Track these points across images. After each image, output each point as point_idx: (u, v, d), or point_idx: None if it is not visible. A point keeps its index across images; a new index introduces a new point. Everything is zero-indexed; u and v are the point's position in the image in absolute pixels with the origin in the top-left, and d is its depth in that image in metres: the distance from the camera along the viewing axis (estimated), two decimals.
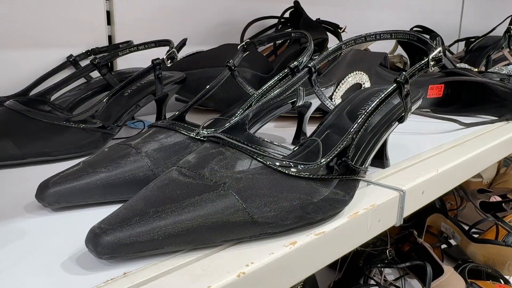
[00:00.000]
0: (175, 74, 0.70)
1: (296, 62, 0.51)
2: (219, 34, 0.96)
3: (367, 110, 0.40)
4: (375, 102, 0.40)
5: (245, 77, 0.76)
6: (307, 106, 0.58)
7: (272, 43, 0.97)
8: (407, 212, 0.47)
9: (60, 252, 0.33)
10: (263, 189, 0.33)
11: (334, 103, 0.71)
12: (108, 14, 0.80)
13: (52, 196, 0.38)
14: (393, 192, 0.45)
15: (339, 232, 0.37)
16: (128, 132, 0.69)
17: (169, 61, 0.61)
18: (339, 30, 0.99)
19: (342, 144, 0.37)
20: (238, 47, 0.62)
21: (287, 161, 0.35)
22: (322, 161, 0.36)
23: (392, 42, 1.09)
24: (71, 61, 0.75)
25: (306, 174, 0.35)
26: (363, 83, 0.74)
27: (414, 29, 1.18)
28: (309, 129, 0.59)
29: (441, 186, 0.53)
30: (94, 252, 0.30)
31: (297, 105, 0.55)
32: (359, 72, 0.73)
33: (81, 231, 0.32)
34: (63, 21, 0.75)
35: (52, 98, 0.68)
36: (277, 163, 0.35)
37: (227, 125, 0.41)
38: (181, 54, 0.84)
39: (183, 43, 0.65)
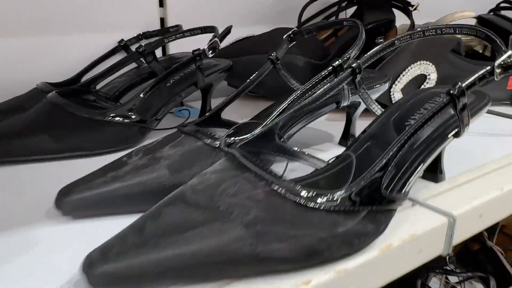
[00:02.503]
0: (221, 62, 0.67)
1: (340, 60, 0.45)
2: (276, 14, 0.90)
3: (412, 127, 0.34)
4: (421, 117, 0.34)
5: (296, 65, 0.71)
6: (356, 105, 0.53)
7: None
8: (459, 239, 0.41)
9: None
10: (275, 222, 0.30)
11: (393, 97, 0.64)
12: None
13: (67, 206, 0.37)
14: (441, 217, 0.39)
15: (366, 269, 0.33)
16: (175, 120, 0.68)
17: (210, 51, 0.58)
18: (410, 8, 0.89)
19: (372, 172, 0.32)
20: (284, 37, 0.57)
21: (306, 191, 0.31)
22: (344, 193, 0.31)
23: (470, 23, 0.96)
24: (122, 45, 0.74)
25: (326, 207, 0.31)
26: (428, 75, 0.65)
27: (502, 4, 1.04)
28: (364, 124, 0.54)
29: (506, 208, 0.45)
30: (87, 283, 0.28)
31: (341, 105, 0.49)
32: (425, 62, 0.65)
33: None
34: (114, 4, 0.74)
35: (100, 85, 0.68)
36: (293, 194, 0.31)
37: (249, 136, 0.37)
38: (233, 38, 0.81)
39: (227, 31, 0.61)
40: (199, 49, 0.58)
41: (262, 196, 0.31)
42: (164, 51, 0.82)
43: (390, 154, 0.33)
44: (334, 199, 0.31)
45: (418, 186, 0.43)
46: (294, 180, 0.37)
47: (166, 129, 0.61)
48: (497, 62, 0.35)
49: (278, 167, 0.46)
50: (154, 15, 0.78)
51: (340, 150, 0.55)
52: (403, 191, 0.35)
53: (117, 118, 0.54)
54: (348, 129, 0.55)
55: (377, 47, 0.43)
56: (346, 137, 0.56)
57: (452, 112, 0.41)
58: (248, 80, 0.55)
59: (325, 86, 0.41)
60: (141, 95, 0.55)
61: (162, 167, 0.39)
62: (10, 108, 0.59)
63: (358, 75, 0.43)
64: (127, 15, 0.75)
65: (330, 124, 0.66)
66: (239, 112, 0.70)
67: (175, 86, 0.60)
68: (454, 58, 0.72)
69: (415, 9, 0.88)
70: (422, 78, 0.66)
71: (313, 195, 0.31)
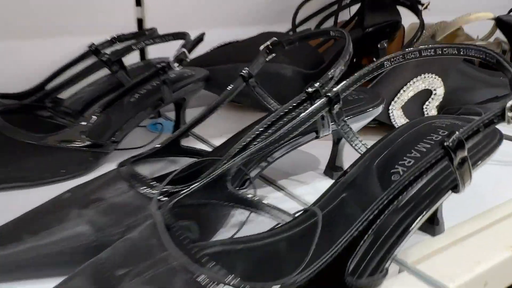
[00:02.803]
0: (196, 72, 0.59)
1: (318, 84, 0.37)
2: (267, 13, 0.82)
3: (397, 185, 0.26)
4: (410, 172, 0.26)
5: (284, 76, 0.63)
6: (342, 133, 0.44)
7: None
8: None
9: None
10: None
11: (392, 115, 0.56)
12: None
13: None
14: None
15: None
16: (148, 135, 0.60)
17: (176, 64, 0.50)
18: (419, 6, 0.79)
19: (334, 252, 0.24)
20: (261, 48, 0.49)
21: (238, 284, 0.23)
22: (294, 279, 0.23)
23: (487, 25, 0.86)
24: (93, 50, 0.67)
25: None
26: (434, 90, 0.57)
27: None
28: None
29: None
30: None
31: (321, 136, 0.41)
32: (430, 75, 0.56)
33: None
34: (85, 3, 0.66)
35: (65, 95, 0.61)
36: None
37: (189, 190, 0.29)
38: (218, 41, 0.73)
39: (198, 39, 0.53)
40: (162, 61, 0.50)
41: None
42: (142, 56, 0.74)
43: (364, 223, 0.25)
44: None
45: (408, 240, 0.35)
46: (242, 243, 0.29)
47: (129, 149, 0.54)
48: (508, 104, 0.26)
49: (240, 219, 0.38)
50: (130, 16, 0.70)
51: (326, 182, 0.48)
52: (380, 269, 0.27)
53: (66, 143, 0.46)
54: (334, 159, 0.47)
55: (361, 70, 0.35)
56: (332, 166, 0.48)
57: None
58: (219, 98, 0.47)
59: (293, 122, 0.33)
60: (94, 115, 0.48)
61: (85, 222, 0.32)
62: None
63: (336, 105, 0.34)
64: (101, 16, 0.68)
65: (320, 145, 0.58)
66: (219, 126, 0.62)
67: (139, 102, 0.53)
68: (466, 68, 0.63)
69: (425, 7, 0.78)
70: (426, 93, 0.57)
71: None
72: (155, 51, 0.73)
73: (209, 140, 0.59)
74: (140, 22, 0.72)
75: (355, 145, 0.36)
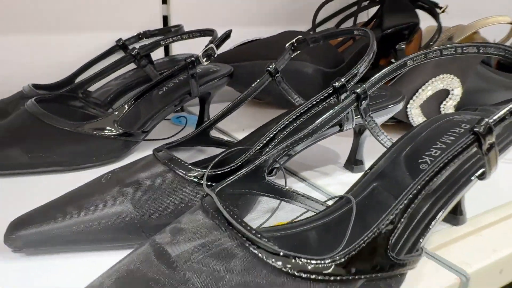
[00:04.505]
0: (221, 68, 0.61)
1: (343, 79, 0.39)
2: (289, 14, 0.84)
3: (427, 173, 0.28)
4: (439, 161, 0.28)
5: (305, 73, 0.65)
6: (364, 127, 0.46)
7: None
8: None
9: None
10: None
11: (410, 114, 0.57)
12: None
13: (18, 241, 0.33)
14: (451, 276, 0.33)
15: None
16: (172, 128, 0.63)
17: (205, 59, 0.52)
18: (437, 9, 0.81)
19: (377, 230, 0.26)
20: (286, 46, 0.51)
21: (287, 256, 0.25)
22: (339, 258, 0.25)
23: (504, 29, 0.87)
24: (120, 45, 0.70)
25: (313, 276, 0.25)
26: (452, 90, 0.58)
27: None
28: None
29: None
30: None
31: (345, 129, 0.43)
32: (448, 75, 0.57)
33: None
34: (114, 1, 0.69)
35: (93, 88, 0.63)
36: (276, 260, 0.25)
37: (234, 177, 0.31)
38: (241, 39, 0.75)
39: (226, 35, 0.55)
40: (192, 56, 0.52)
41: (239, 260, 0.25)
42: (167, 52, 0.77)
43: (400, 207, 0.27)
44: (326, 267, 0.25)
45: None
46: (280, 231, 0.31)
47: (156, 140, 0.57)
48: None
49: (266, 207, 0.40)
50: (156, 13, 0.73)
51: (346, 175, 0.50)
52: (416, 248, 0.29)
53: (99, 131, 0.49)
54: (354, 152, 0.49)
55: (386, 69, 0.37)
56: (352, 161, 0.49)
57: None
58: (245, 92, 0.49)
59: (324, 116, 0.35)
60: (126, 106, 0.50)
61: (126, 201, 0.34)
62: None
63: (363, 101, 0.36)
64: (127, 12, 0.70)
65: (340, 139, 0.60)
66: (240, 121, 0.64)
67: (167, 95, 0.55)
68: (483, 70, 0.65)
69: (443, 11, 0.80)
70: (444, 93, 0.59)
71: (300, 262, 0.25)
72: (178, 47, 0.76)
73: (230, 133, 0.61)
74: (165, 19, 0.75)
75: (381, 139, 0.38)
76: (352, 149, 0.49)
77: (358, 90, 0.36)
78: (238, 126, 0.62)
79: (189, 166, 0.36)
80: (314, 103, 0.38)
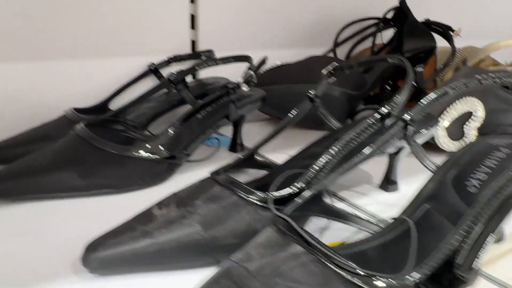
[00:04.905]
0: (254, 93, 0.64)
1: (388, 108, 0.42)
2: (309, 36, 0.87)
3: (487, 199, 0.30)
4: (497, 185, 0.31)
5: (333, 96, 0.68)
6: (399, 148, 0.49)
7: (370, 48, 0.86)
8: None
9: None
10: None
11: (438, 140, 0.60)
12: (192, 17, 0.76)
13: (94, 263, 0.35)
14: None
15: None
16: (203, 149, 0.65)
17: (245, 85, 0.55)
18: (451, 33, 0.85)
19: (446, 250, 0.28)
20: (323, 72, 0.53)
21: (366, 275, 0.27)
22: (412, 277, 0.28)
23: None
24: (152, 69, 0.73)
25: None
26: (475, 112, 0.61)
27: None
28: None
29: None
30: None
31: (386, 152, 0.46)
32: (471, 97, 0.61)
33: None
34: (143, 26, 0.72)
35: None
36: (355, 278, 0.27)
37: (300, 202, 0.34)
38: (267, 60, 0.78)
39: (262, 62, 0.58)
40: (229, 82, 0.55)
41: (320, 279, 0.27)
42: (193, 75, 0.79)
43: (466, 226, 0.30)
44: (405, 285, 0.27)
45: None
46: (341, 250, 0.34)
47: (195, 161, 0.59)
48: None
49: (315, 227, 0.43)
50: (185, 38, 0.76)
51: (381, 195, 0.53)
52: (474, 267, 0.31)
53: (146, 154, 0.51)
54: (389, 173, 0.52)
55: (428, 96, 0.40)
56: (387, 181, 0.52)
57: None
58: (286, 119, 0.52)
59: (376, 144, 0.38)
60: (171, 130, 0.53)
61: (195, 222, 0.36)
62: (37, 138, 0.57)
63: (410, 127, 0.39)
64: (157, 37, 0.73)
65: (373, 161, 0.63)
66: (270, 143, 0.67)
67: (207, 119, 0.58)
68: (504, 94, 0.68)
69: (457, 35, 0.84)
70: (467, 114, 0.62)
71: (382, 280, 0.27)
72: (203, 71, 0.79)
73: (264, 155, 0.64)
74: (193, 43, 0.78)
75: (427, 164, 0.41)
76: (388, 170, 0.52)
77: (406, 117, 0.39)
78: (269, 148, 0.65)
79: (250, 189, 0.38)
80: (362, 128, 0.41)
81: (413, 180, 0.42)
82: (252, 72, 0.55)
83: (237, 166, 0.47)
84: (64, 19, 0.65)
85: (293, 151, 0.51)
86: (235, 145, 0.64)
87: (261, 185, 0.45)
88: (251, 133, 0.67)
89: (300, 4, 0.86)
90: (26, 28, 0.63)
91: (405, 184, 0.53)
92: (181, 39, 0.76)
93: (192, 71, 0.63)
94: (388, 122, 0.42)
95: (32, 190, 0.47)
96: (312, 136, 0.54)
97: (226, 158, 0.59)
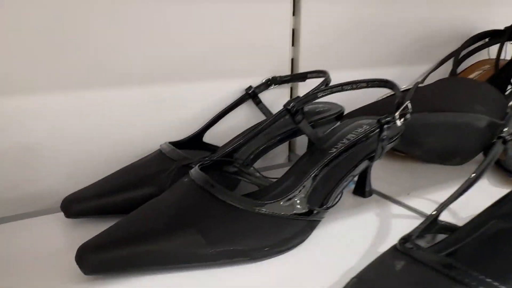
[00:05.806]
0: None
1: None
2: (413, 53, 0.76)
3: None
4: None
5: (477, 127, 0.56)
6: None
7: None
8: None
9: None
10: None
11: None
12: (293, 33, 0.65)
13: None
14: None
15: None
16: None
17: (400, 120, 0.43)
18: None
19: None
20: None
21: None
22: None
23: None
24: (250, 93, 0.62)
25: None
26: None
27: None
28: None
29: None
30: None
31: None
32: None
33: None
34: (239, 44, 0.61)
35: (214, 136, 0.55)
36: None
37: None
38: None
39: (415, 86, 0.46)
40: (381, 116, 0.43)
41: None
42: (290, 94, 0.68)
43: None
44: None
45: None
46: None
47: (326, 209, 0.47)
48: None
49: None
50: (284, 56, 0.65)
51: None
52: None
53: (285, 211, 0.40)
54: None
55: None
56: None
57: None
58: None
59: None
60: (309, 181, 0.41)
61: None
62: (139, 181, 0.46)
63: None
64: (255, 58, 0.62)
65: None
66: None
67: (345, 163, 0.46)
68: None
69: None
70: None
71: None
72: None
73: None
74: (292, 62, 0.67)
75: None
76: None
77: None
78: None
79: None
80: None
81: None
82: (408, 104, 0.43)
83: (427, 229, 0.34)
84: (151, 43, 0.55)
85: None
86: (363, 189, 0.52)
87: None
88: None
89: (400, 19, 0.75)
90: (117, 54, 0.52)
91: None
92: (280, 57, 0.65)
93: (314, 98, 0.52)
94: None
95: (147, 261, 0.36)
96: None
97: (356, 204, 0.50)
